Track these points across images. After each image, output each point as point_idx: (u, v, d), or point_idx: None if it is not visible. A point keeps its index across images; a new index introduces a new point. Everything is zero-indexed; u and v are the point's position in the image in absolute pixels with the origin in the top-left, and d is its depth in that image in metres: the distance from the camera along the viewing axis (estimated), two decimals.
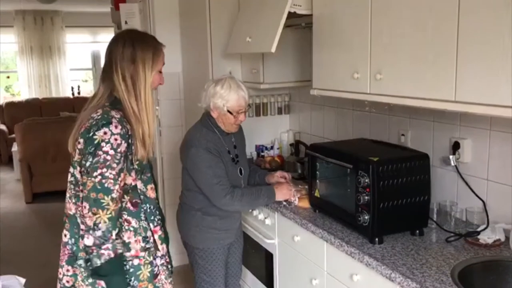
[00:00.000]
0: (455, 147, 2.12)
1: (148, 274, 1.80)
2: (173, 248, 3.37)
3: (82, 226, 1.69)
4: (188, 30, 3.59)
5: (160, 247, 1.85)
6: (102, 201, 1.62)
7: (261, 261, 2.75)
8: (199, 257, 2.46)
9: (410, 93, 1.87)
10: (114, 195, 1.64)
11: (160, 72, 1.85)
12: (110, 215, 1.63)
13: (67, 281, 1.77)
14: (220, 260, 2.47)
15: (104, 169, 1.62)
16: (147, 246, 1.79)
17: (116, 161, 1.64)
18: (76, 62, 10.04)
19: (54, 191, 5.95)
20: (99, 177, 1.62)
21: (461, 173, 2.11)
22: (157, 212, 1.87)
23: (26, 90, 9.47)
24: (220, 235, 2.45)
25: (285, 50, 2.98)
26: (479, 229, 1.94)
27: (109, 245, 1.64)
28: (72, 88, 9.79)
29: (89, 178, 1.63)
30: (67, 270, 1.77)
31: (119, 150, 1.65)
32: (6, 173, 7.63)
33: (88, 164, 1.63)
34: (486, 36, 1.54)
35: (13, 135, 7.08)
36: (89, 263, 1.68)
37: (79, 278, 1.75)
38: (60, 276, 1.79)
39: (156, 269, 1.82)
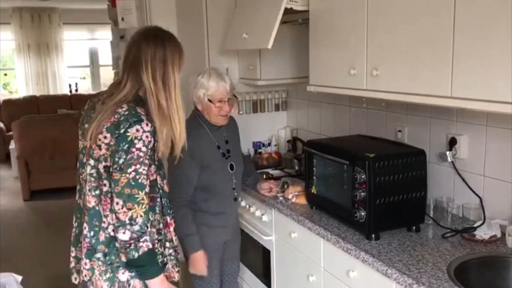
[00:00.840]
0: (452, 143, 2.12)
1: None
2: None
3: (105, 220, 1.72)
4: (185, 27, 3.57)
5: (174, 238, 1.92)
6: (137, 196, 1.64)
7: (258, 258, 2.76)
8: None
9: (406, 89, 1.87)
10: (147, 189, 1.68)
11: None
12: (145, 209, 1.66)
13: (85, 275, 1.77)
14: (214, 257, 2.45)
15: (138, 166, 1.65)
16: (160, 237, 1.84)
17: (148, 157, 1.68)
18: (74, 60, 10.01)
19: (52, 188, 5.91)
20: (133, 173, 1.64)
21: (458, 169, 2.11)
22: (171, 206, 1.92)
23: (23, 87, 9.44)
24: (213, 232, 2.43)
25: (282, 47, 2.97)
26: (475, 225, 1.94)
27: (147, 237, 1.67)
28: (70, 86, 9.77)
29: (123, 175, 1.64)
30: (85, 264, 1.77)
31: (150, 146, 1.68)
32: (4, 170, 7.61)
33: (121, 161, 1.64)
34: (483, 30, 1.54)
35: (11, 133, 7.06)
36: (107, 257, 1.72)
37: (97, 272, 1.75)
38: (81, 269, 1.79)
39: (164, 259, 1.87)
